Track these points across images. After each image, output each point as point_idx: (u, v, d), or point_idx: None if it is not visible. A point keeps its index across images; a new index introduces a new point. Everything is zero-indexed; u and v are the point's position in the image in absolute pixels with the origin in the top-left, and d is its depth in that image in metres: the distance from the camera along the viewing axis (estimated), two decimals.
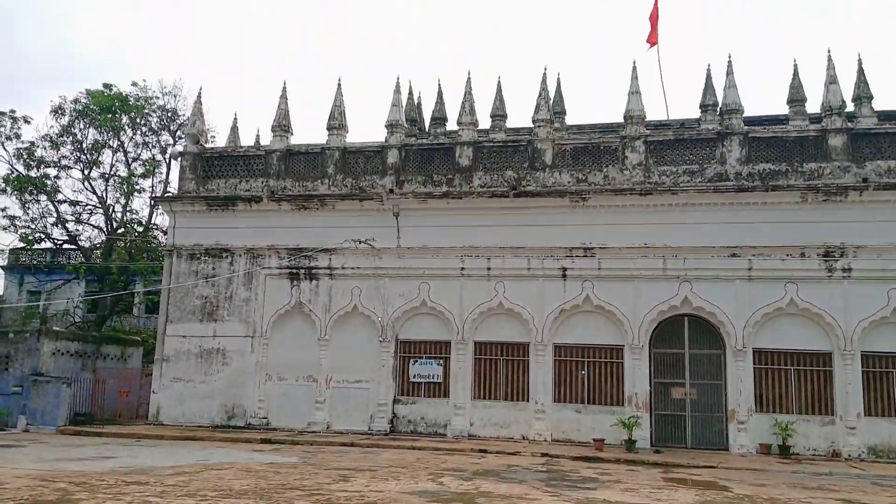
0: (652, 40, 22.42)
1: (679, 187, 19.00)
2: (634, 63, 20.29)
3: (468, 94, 21.21)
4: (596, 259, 19.31)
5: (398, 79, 22.10)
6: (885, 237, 17.80)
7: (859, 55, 19.87)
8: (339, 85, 22.26)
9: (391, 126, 21.41)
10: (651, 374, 18.97)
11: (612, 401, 19.02)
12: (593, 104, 69.87)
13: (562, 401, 19.29)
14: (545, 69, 20.94)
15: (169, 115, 29.22)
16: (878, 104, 20.43)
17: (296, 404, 20.45)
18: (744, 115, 19.53)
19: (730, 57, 19.98)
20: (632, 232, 19.15)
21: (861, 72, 19.87)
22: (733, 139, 19.15)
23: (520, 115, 26.93)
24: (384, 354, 20.26)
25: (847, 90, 19.47)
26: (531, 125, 20.74)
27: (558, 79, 24.49)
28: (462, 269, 20.03)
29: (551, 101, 21.17)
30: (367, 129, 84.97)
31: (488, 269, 19.89)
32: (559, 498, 10.55)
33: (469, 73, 21.36)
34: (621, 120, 20.38)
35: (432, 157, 21.04)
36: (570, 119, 24.68)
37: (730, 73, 19.79)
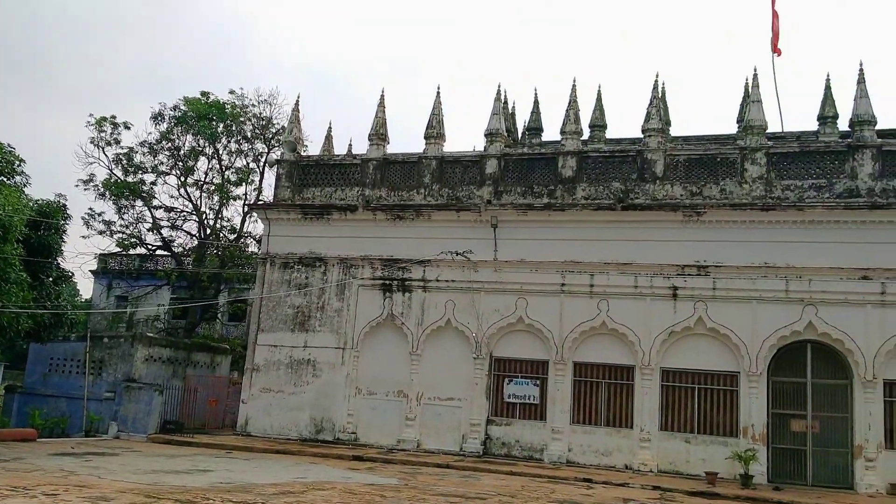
0: (776, 49, 21.09)
1: (804, 203, 17.56)
2: (755, 70, 19.08)
3: (573, 102, 20.29)
4: (710, 278, 18.02)
5: (499, 87, 21.45)
6: None
7: None
8: (438, 93, 21.72)
9: (491, 135, 20.69)
10: (769, 404, 17.52)
11: (725, 431, 17.65)
12: (697, 115, 67.90)
13: (669, 429, 18.01)
14: (656, 76, 20.02)
15: (264, 123, 29.36)
16: None
17: (385, 420, 19.84)
18: (875, 127, 18.00)
19: (861, 65, 18.47)
20: (751, 250, 17.79)
21: None
22: (865, 152, 17.62)
23: (618, 126, 25.95)
24: (478, 372, 19.43)
25: None
26: (631, 136, 19.71)
27: (663, 88, 23.31)
28: (563, 284, 19.06)
29: (661, 111, 20.03)
30: (458, 138, 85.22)
31: (591, 285, 18.85)
32: None
33: (574, 81, 20.49)
34: (733, 131, 19.12)
35: (533, 168, 20.20)
36: (675, 130, 23.42)
37: (861, 81, 18.28)
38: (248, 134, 29.67)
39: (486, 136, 20.85)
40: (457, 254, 19.94)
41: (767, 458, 17.14)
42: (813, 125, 21.54)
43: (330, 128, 23.45)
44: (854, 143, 17.81)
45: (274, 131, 29.24)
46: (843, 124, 19.84)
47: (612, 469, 17.70)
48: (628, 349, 18.48)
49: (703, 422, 17.85)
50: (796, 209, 17.52)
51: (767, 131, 19.02)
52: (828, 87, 20.81)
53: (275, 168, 23.34)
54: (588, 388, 18.79)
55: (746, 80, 21.86)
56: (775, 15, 21.59)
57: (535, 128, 25.46)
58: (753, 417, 17.38)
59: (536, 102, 25.73)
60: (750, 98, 18.96)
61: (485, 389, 19.33)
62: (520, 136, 26.09)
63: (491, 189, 20.21)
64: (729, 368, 17.85)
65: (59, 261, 20.03)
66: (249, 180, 29.39)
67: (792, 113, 66.36)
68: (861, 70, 18.41)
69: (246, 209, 28.97)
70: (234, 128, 29.22)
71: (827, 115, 20.58)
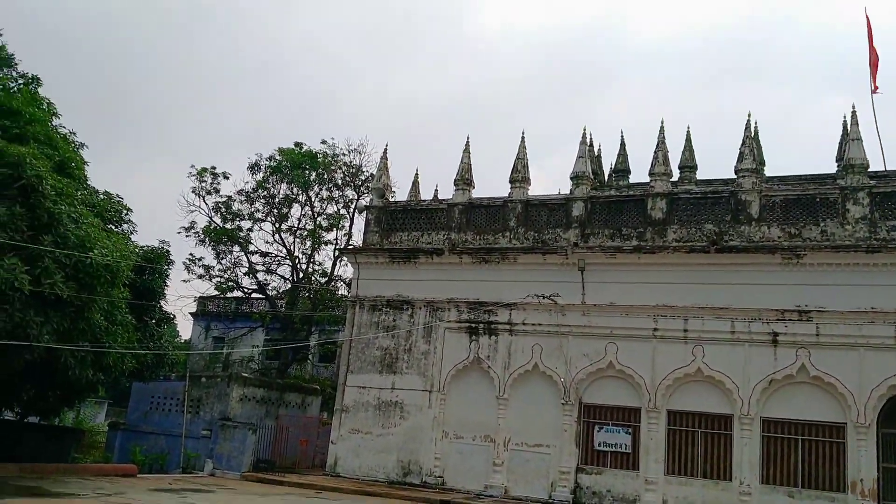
0: (875, 86, 20.34)
1: None
2: (854, 108, 18.36)
3: (661, 143, 20.07)
4: (813, 324, 17.18)
5: (584, 129, 21.45)
6: None
7: None
8: (523, 138, 21.93)
9: (577, 178, 20.66)
10: (879, 457, 16.40)
11: (831, 486, 16.60)
12: (794, 157, 65.91)
13: (771, 482, 17.08)
14: (748, 115, 19.44)
15: (353, 171, 30.39)
16: None
17: (472, 465, 19.65)
18: None
19: None
20: (856, 294, 16.91)
21: None
22: None
23: (709, 167, 25.43)
24: (566, 418, 19.06)
25: None
26: (722, 177, 19.22)
27: (756, 128, 22.74)
28: (654, 329, 18.59)
29: (755, 151, 19.51)
30: (540, 182, 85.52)
31: (685, 330, 18.30)
32: None
33: (662, 122, 20.30)
34: (831, 171, 18.38)
35: (621, 210, 19.98)
36: (770, 171, 22.75)
37: None
38: (339, 181, 30.77)
39: (571, 178, 20.82)
40: (543, 297, 19.82)
41: None
42: None
43: (417, 174, 24.01)
44: None
45: (363, 178, 30.21)
46: None
47: None
48: (726, 397, 17.75)
49: (807, 476, 16.84)
50: None
51: (869, 170, 18.23)
52: None
53: (364, 214, 23.98)
54: (683, 437, 18.10)
55: (845, 118, 21.14)
56: (873, 51, 20.88)
57: (622, 170, 25.26)
58: (862, 472, 16.29)
59: (623, 144, 25.57)
60: (849, 136, 18.23)
61: (574, 436, 18.92)
62: (606, 178, 25.92)
63: (577, 232, 20.09)
64: (835, 419, 16.86)
65: (162, 303, 21.02)
66: (340, 226, 30.36)
67: (894, 151, 63.28)
68: None
69: (336, 254, 29.87)
70: (325, 176, 30.36)
71: None
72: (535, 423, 19.33)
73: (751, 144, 19.13)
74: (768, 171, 23.07)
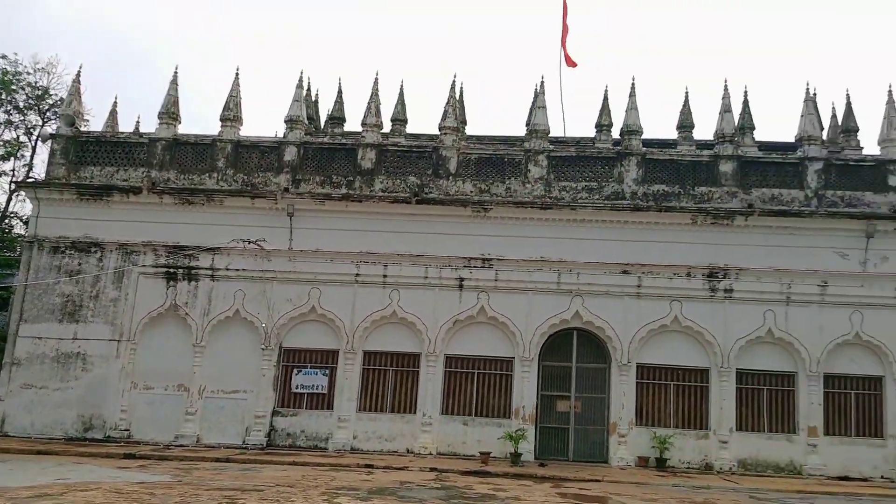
0: (570, 62, 22.78)
1: (577, 203, 19.20)
2: (542, 78, 20.46)
3: (375, 95, 20.57)
4: (493, 270, 19.15)
5: (301, 73, 21.20)
6: (765, 261, 18.73)
7: (745, 88, 21.02)
8: (237, 75, 20.98)
9: (291, 122, 20.37)
10: (539, 386, 18.97)
11: (499, 413, 18.86)
12: (490, 116, 71.05)
13: (449, 413, 18.92)
14: (454, 77, 20.71)
15: (39, 93, 26.62)
16: (757, 135, 21.61)
17: (163, 415, 18.85)
18: (641, 137, 20.04)
19: (633, 80, 20.47)
20: (530, 245, 19.15)
21: (746, 103, 20.95)
22: (631, 159, 19.58)
23: (419, 122, 26.60)
24: (265, 363, 19.10)
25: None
26: (429, 132, 20.42)
27: (461, 88, 24.28)
28: (357, 275, 19.29)
29: (458, 111, 20.89)
30: (258, 125, 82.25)
31: (384, 276, 19.26)
32: None
33: (377, 74, 20.78)
34: (522, 133, 20.42)
35: (332, 158, 20.18)
36: (471, 129, 24.53)
37: (632, 94, 20.26)
38: (21, 104, 26.79)
39: (286, 122, 20.49)
40: (249, 241, 19.44)
41: (535, 437, 18.57)
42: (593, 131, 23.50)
43: (116, 102, 21.87)
44: (622, 151, 19.74)
45: (50, 103, 26.66)
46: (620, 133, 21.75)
47: (395, 454, 18.26)
48: (416, 337, 19.13)
49: (480, 405, 18.93)
50: (570, 208, 19.12)
51: (551, 135, 20.54)
52: (605, 98, 22.80)
53: (49, 143, 21.26)
54: (376, 376, 19.21)
55: (536, 86, 23.41)
56: (566, 29, 23.18)
57: (337, 118, 25.45)
58: (525, 399, 18.72)
59: (340, 92, 25.72)
60: (536, 104, 20.31)
61: (272, 381, 19.05)
62: (322, 125, 25.96)
63: (289, 177, 19.91)
64: (506, 354, 19.09)
65: None
66: (19, 155, 26.52)
67: (578, 119, 72.05)
68: (633, 85, 20.38)
69: (13, 187, 26.11)
70: (3, 96, 26.23)
71: (603, 124, 22.55)
72: (233, 370, 19.08)
73: (454, 104, 20.43)
74: (473, 131, 24.85)
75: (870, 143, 20.51)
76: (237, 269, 19.47)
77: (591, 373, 19.13)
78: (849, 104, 22.33)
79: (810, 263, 18.64)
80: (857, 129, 21.87)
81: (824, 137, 22.21)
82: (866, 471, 17.97)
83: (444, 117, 20.18)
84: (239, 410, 18.88)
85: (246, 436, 18.71)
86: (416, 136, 22.73)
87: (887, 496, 15.36)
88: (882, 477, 17.85)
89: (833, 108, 23.95)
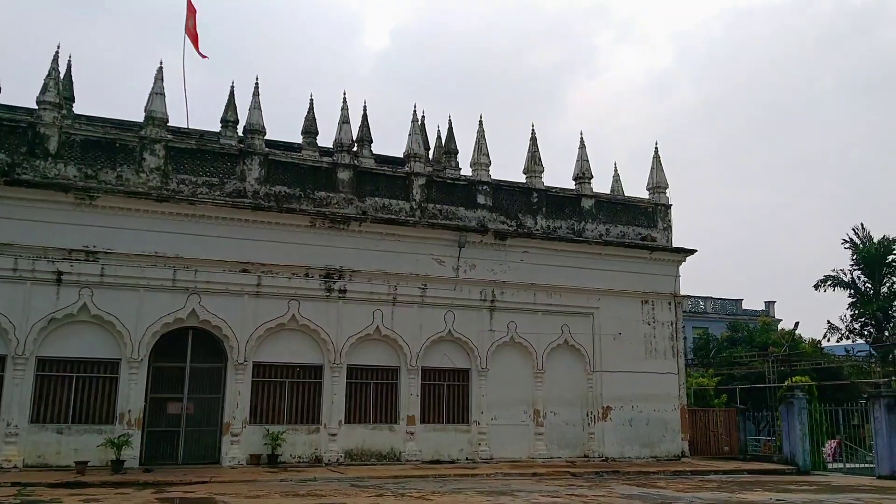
0: (200, 52, 21.83)
1: (197, 198, 18.64)
2: (161, 64, 19.38)
3: None
4: (99, 265, 17.57)
5: None
6: (376, 264, 20.35)
7: (364, 103, 22.54)
8: None
9: None
10: (148, 388, 17.97)
11: (102, 419, 17.41)
12: (110, 98, 64.77)
13: (41, 421, 16.89)
14: (58, 47, 18.46)
15: None
16: (377, 148, 23.39)
17: None
18: (265, 138, 20.23)
19: (257, 79, 20.58)
20: (144, 238, 18.02)
21: (365, 117, 22.48)
22: (254, 159, 19.66)
23: (14, 94, 22.72)
24: None
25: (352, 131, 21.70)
26: (33, 105, 17.95)
27: (69, 61, 21.70)
28: None
29: (61, 84, 18.66)
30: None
31: None
32: None
33: None
34: (141, 119, 19.13)
35: None
36: (81, 108, 22.04)
37: (256, 94, 20.33)
38: None
39: None
40: None
41: (142, 442, 17.57)
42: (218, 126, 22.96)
43: None
44: (245, 149, 19.70)
45: None
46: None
47: None
48: (1, 339, 16.64)
49: (79, 411, 17.26)
50: (189, 203, 18.47)
51: (173, 125, 19.56)
52: (232, 94, 22.42)
53: None
54: None
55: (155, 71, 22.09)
56: (192, 9, 22.02)
57: None
58: (131, 403, 17.58)
59: None
60: (154, 90, 19.17)
61: None
62: None
63: None
64: (112, 355, 17.70)
65: None
66: None
67: (200, 112, 69.87)
68: (257, 84, 20.43)
69: None
70: None
71: (229, 119, 22.18)
72: None
73: (56, 76, 18.26)
74: (80, 109, 22.39)
75: (467, 164, 23.40)
76: None
77: (206, 373, 18.72)
78: (450, 129, 25.44)
79: (414, 268, 20.81)
80: (457, 152, 25.00)
81: (430, 157, 25.08)
82: (454, 454, 20.58)
83: (44, 90, 17.93)
84: None
85: None
86: (11, 108, 19.74)
87: (468, 475, 17.74)
88: (466, 459, 20.61)
89: (438, 130, 27.12)
